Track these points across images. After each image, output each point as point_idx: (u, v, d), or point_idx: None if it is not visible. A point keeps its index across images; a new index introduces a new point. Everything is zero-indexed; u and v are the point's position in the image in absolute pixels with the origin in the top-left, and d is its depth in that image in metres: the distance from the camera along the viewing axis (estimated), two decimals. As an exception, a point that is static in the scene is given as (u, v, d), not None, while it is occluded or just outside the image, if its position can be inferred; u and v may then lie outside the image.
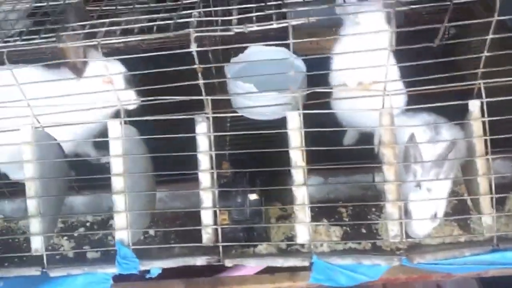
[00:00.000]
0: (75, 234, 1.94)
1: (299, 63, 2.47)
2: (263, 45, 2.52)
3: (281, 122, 2.23)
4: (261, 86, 2.22)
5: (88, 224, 2.01)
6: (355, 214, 1.90)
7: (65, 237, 1.94)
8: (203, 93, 1.74)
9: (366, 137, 2.13)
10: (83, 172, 2.04)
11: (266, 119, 2.31)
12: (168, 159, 1.78)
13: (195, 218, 1.88)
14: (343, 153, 2.02)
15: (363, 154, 1.92)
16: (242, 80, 2.26)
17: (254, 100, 2.26)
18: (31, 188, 1.71)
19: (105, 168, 2.26)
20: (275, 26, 1.56)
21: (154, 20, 1.66)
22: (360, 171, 1.98)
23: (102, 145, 2.26)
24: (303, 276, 2.04)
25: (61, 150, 1.90)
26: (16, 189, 2.10)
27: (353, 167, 1.96)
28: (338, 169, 1.97)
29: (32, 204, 1.71)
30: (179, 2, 1.77)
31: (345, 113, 2.02)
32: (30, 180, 1.71)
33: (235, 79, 2.27)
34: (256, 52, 2.58)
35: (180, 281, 2.03)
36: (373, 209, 1.91)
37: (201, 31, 1.57)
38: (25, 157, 1.72)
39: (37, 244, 1.71)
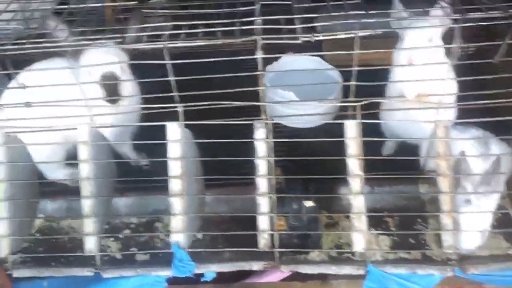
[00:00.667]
0: (122, 236, 1.93)
1: (334, 73, 2.52)
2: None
3: (317, 130, 2.29)
4: (296, 94, 2.26)
5: (132, 225, 2.00)
6: (402, 224, 1.92)
7: (111, 238, 1.93)
8: (261, 99, 1.77)
9: (405, 148, 2.16)
10: (122, 173, 2.03)
11: (303, 127, 2.35)
12: (216, 163, 1.80)
13: (241, 222, 1.91)
14: (385, 163, 2.05)
15: (406, 164, 1.96)
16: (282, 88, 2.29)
17: (295, 109, 2.28)
18: (86, 188, 1.71)
19: (145, 170, 2.28)
20: (342, 36, 1.59)
21: (215, 25, 1.68)
22: (404, 181, 2.01)
23: (138, 147, 2.27)
24: (336, 285, 2.07)
25: (111, 151, 1.90)
26: (55, 189, 2.09)
27: (398, 177, 1.98)
28: (382, 179, 1.99)
29: (86, 204, 1.70)
30: (237, 9, 1.80)
31: (391, 124, 2.05)
32: (86, 180, 1.71)
33: (277, 87, 2.29)
34: (290, 61, 2.61)
35: (212, 286, 2.04)
36: (419, 220, 1.94)
37: (268, 38, 1.60)
38: (81, 157, 1.72)
39: (90, 244, 1.70)
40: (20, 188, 1.78)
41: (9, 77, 2.02)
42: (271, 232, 1.67)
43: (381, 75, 2.02)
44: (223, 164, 1.76)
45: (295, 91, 2.27)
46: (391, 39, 2.00)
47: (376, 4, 1.78)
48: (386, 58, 2.07)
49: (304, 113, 2.28)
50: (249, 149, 1.83)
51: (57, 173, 2.15)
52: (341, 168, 1.80)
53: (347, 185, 1.90)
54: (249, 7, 1.78)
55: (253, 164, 1.77)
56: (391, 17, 1.91)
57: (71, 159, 2.16)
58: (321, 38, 1.57)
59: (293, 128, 2.34)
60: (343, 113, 1.77)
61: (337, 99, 2.34)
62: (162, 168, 1.75)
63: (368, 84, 1.75)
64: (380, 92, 2.03)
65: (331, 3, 1.78)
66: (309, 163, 1.87)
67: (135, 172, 2.19)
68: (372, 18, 1.64)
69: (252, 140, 1.69)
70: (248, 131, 1.78)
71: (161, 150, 1.74)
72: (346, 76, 1.94)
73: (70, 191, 2.09)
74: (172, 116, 1.73)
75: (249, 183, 1.94)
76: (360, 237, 1.67)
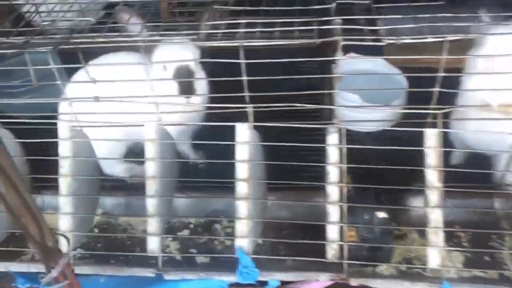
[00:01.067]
0: (180, 236, 1.89)
1: (400, 78, 2.42)
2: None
3: (380, 136, 2.19)
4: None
5: (191, 226, 1.95)
6: (475, 240, 1.82)
7: (170, 238, 1.89)
8: (332, 103, 1.70)
9: (475, 158, 2.04)
10: (180, 172, 1.98)
11: (366, 132, 2.26)
12: (278, 166, 1.73)
13: (302, 228, 1.84)
14: (457, 174, 1.95)
15: (478, 176, 1.84)
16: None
17: (361, 112, 2.19)
18: (151, 187, 1.66)
19: (201, 169, 2.23)
20: (430, 40, 1.49)
21: (292, 24, 1.62)
22: (478, 195, 1.90)
23: (196, 145, 2.23)
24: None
25: (175, 150, 1.85)
26: (114, 184, 2.07)
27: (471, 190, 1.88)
28: (455, 191, 1.88)
29: (151, 204, 1.66)
30: (312, 7, 1.73)
31: (464, 133, 1.93)
32: (151, 178, 1.66)
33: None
34: (352, 62, 2.52)
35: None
36: (494, 236, 1.82)
37: (349, 40, 1.52)
38: (148, 155, 1.67)
39: (153, 245, 1.66)
40: (83, 183, 1.76)
41: (68, 71, 2.01)
42: (341, 242, 1.60)
43: (446, 81, 1.92)
44: (286, 167, 1.70)
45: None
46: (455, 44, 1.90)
47: (457, 8, 1.70)
48: (450, 62, 1.96)
49: (370, 117, 2.20)
50: (312, 154, 1.77)
51: (115, 168, 2.13)
52: (412, 176, 1.72)
53: (417, 195, 1.82)
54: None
55: (316, 169, 1.70)
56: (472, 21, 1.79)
57: (130, 154, 2.14)
58: (407, 41, 1.48)
59: (355, 132, 2.26)
60: (420, 121, 1.66)
61: (402, 105, 2.25)
62: (221, 167, 1.69)
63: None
64: (446, 99, 1.92)
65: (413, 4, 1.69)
66: (380, 171, 1.79)
67: (192, 171, 2.14)
68: (457, 22, 1.55)
69: (317, 145, 1.61)
70: (311, 134, 1.72)
71: (219, 148, 1.68)
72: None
73: (128, 187, 2.07)
74: (236, 116, 1.67)
75: (311, 188, 1.88)
76: (435, 253, 1.58)
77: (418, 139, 1.64)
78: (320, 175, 1.81)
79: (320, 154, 1.83)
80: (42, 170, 1.79)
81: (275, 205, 1.98)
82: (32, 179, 1.90)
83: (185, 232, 1.92)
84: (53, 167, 1.72)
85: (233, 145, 1.64)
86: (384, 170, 1.79)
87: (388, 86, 2.41)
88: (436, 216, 1.58)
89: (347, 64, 2.52)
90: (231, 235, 1.89)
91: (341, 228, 1.60)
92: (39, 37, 1.55)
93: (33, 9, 1.87)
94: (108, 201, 2.04)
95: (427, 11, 1.64)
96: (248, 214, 1.62)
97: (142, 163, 1.74)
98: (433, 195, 1.59)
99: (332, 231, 1.61)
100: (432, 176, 1.59)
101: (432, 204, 1.58)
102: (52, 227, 1.73)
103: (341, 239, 1.60)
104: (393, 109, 2.06)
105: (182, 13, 2.74)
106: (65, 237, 1.33)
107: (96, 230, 1.95)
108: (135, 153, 2.13)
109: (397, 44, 1.53)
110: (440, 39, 1.47)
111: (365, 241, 1.62)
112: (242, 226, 1.62)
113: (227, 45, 1.55)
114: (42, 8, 1.84)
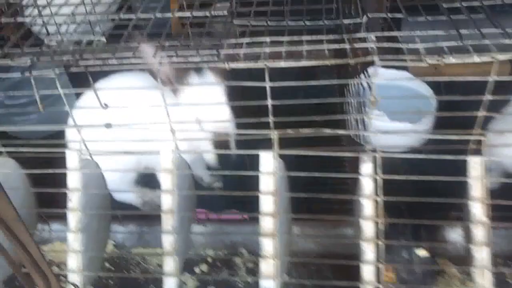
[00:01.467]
0: (198, 273, 1.75)
1: (428, 93, 2.28)
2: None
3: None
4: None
5: (209, 259, 1.81)
6: (524, 276, 1.66)
7: (187, 273, 1.75)
8: (364, 127, 1.55)
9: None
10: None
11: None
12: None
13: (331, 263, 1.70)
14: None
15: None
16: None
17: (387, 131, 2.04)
18: (168, 222, 1.52)
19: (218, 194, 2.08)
20: (477, 60, 1.34)
21: (321, 41, 1.47)
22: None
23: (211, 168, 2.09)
24: None
25: (192, 179, 1.71)
26: (126, 214, 1.93)
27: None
28: (496, 221, 1.73)
29: (167, 241, 1.51)
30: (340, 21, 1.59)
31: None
32: (168, 212, 1.52)
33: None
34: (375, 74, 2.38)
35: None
36: (542, 271, 1.67)
37: (387, 60, 1.37)
38: (164, 186, 1.53)
39: (170, 286, 1.51)
40: (94, 215, 1.62)
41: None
42: (378, 285, 1.44)
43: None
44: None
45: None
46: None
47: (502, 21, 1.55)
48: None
49: (402, 141, 2.06)
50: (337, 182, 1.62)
51: (126, 194, 2.00)
52: (449, 204, 1.57)
53: (454, 225, 1.68)
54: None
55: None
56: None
57: (140, 179, 2.01)
58: (452, 61, 1.33)
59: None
60: (459, 147, 1.51)
61: (430, 123, 2.12)
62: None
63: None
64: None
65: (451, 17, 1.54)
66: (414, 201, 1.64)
67: (209, 198, 1.99)
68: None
69: (352, 176, 1.47)
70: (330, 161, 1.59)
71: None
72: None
73: (140, 215, 1.93)
74: (252, 140, 1.52)
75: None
76: (483, 296, 1.42)
77: (452, 164, 1.48)
78: (346, 201, 1.67)
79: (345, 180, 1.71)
80: (50, 197, 1.65)
81: (301, 235, 1.84)
82: (39, 207, 1.76)
83: (203, 267, 1.78)
84: (61, 195, 1.59)
85: (252, 167, 1.50)
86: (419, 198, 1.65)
87: (415, 101, 2.28)
88: (482, 255, 1.42)
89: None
90: (253, 270, 1.76)
91: (378, 268, 1.45)
92: (46, 57, 1.42)
93: (40, 22, 1.74)
94: (120, 231, 1.90)
95: (468, 26, 1.49)
96: (274, 252, 1.47)
97: (155, 188, 1.62)
98: (479, 231, 1.43)
99: (368, 272, 1.45)
100: (478, 210, 1.43)
101: (478, 242, 1.42)
102: (60, 260, 1.62)
103: (378, 280, 1.44)
104: (427, 132, 1.92)
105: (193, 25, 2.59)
106: (76, 286, 1.18)
107: (107, 264, 1.81)
108: (145, 176, 2.00)
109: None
110: (489, 59, 1.33)
111: (405, 283, 1.47)
112: (268, 266, 1.47)
113: (251, 66, 1.40)
114: (51, 24, 1.70)
